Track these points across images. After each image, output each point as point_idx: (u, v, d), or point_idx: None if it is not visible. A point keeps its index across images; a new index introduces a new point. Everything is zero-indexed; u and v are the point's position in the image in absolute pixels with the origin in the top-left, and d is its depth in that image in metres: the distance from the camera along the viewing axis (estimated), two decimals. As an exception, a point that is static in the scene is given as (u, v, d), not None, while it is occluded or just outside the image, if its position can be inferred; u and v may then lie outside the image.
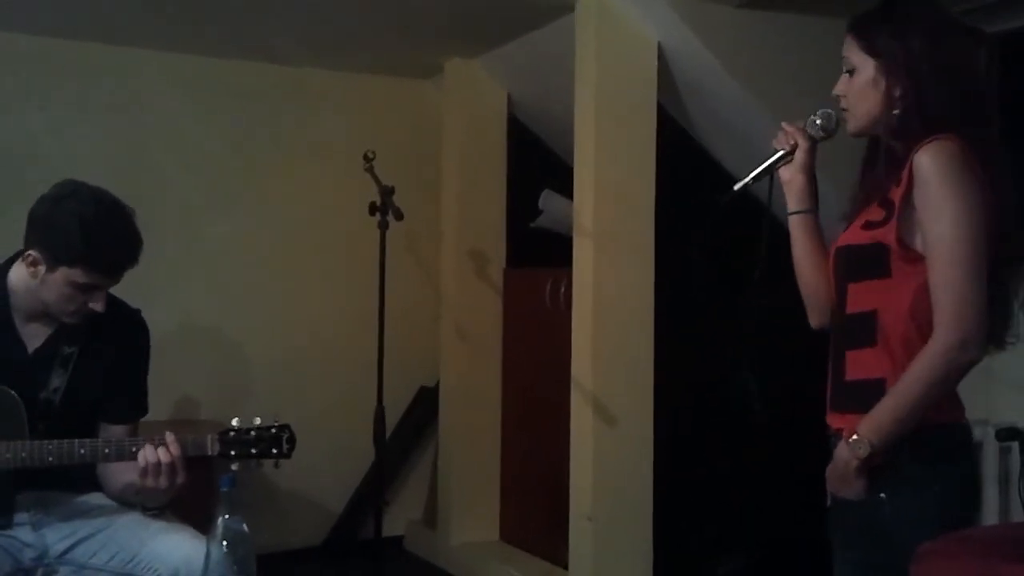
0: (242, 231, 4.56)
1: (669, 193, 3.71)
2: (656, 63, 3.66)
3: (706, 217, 2.23)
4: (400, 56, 4.58)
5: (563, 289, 4.05)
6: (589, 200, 3.61)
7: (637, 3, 3.56)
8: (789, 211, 2.15)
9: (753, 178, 2.13)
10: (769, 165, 2.14)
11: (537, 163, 4.74)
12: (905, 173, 1.90)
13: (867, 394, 1.92)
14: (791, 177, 2.14)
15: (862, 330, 1.95)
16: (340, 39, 4.30)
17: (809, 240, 2.14)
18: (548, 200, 4.35)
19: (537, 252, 4.42)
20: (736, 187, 2.13)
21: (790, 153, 2.13)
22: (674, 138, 3.90)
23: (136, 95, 4.37)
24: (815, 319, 2.16)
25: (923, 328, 1.88)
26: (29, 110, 4.17)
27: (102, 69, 4.31)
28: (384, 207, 3.33)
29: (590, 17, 3.61)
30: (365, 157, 3.40)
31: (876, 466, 1.90)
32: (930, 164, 1.86)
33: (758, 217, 2.19)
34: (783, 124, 2.15)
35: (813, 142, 2.13)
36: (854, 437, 1.89)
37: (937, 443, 1.93)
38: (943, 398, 1.92)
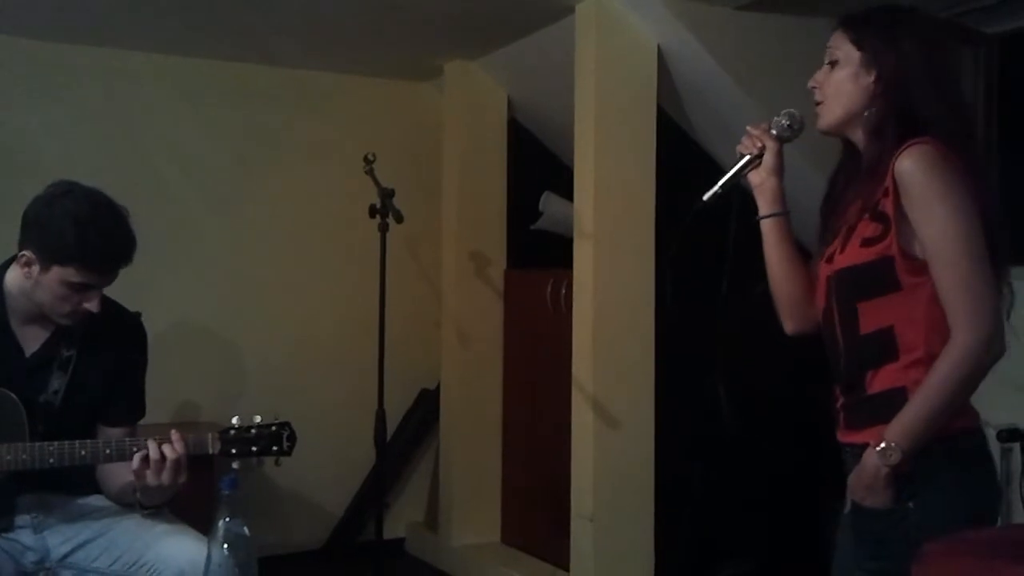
0: (242, 233, 4.56)
1: (669, 194, 3.71)
2: (656, 65, 3.66)
3: (678, 226, 2.21)
4: (400, 58, 4.58)
5: (564, 290, 4.05)
6: (589, 202, 3.62)
7: (637, 6, 3.56)
8: (760, 215, 2.12)
9: (722, 186, 2.09)
10: (738, 171, 2.11)
11: (537, 165, 4.74)
12: (889, 182, 1.89)
13: (889, 404, 1.89)
14: (761, 181, 2.11)
15: (882, 347, 1.93)
16: (340, 41, 4.30)
17: (782, 244, 2.12)
18: (548, 202, 4.35)
19: (538, 253, 4.42)
20: (705, 197, 2.08)
21: (758, 157, 2.11)
22: (674, 140, 3.90)
23: (135, 98, 4.37)
24: (790, 324, 2.14)
25: (943, 333, 1.85)
26: (27, 113, 4.17)
27: (100, 72, 4.31)
28: (384, 209, 3.33)
29: (590, 19, 3.62)
30: (365, 159, 3.41)
31: (902, 473, 1.87)
32: (912, 168, 1.84)
33: (742, 217, 2.17)
34: (748, 128, 2.13)
35: (780, 143, 2.11)
36: (882, 444, 1.85)
37: (961, 447, 1.91)
38: (966, 401, 1.91)
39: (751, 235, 2.16)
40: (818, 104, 2.04)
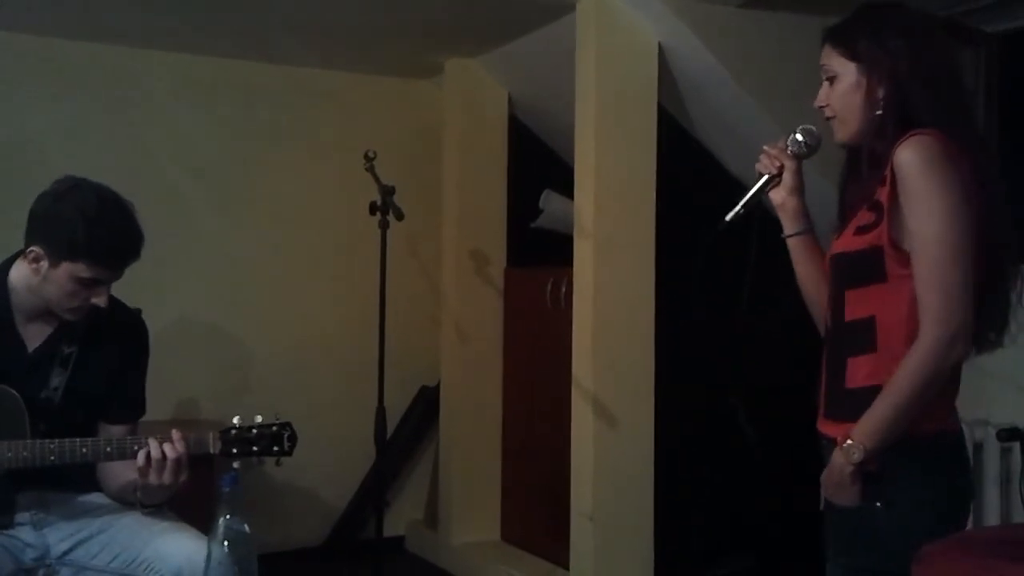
0: (242, 230, 4.56)
1: (669, 192, 3.71)
2: (657, 63, 3.66)
3: (700, 248, 2.22)
4: (401, 56, 4.58)
5: (564, 289, 4.05)
6: (589, 200, 3.61)
7: (638, 3, 3.56)
8: (786, 234, 2.14)
9: (743, 206, 2.10)
10: (758, 190, 2.12)
11: (538, 163, 4.74)
12: (888, 171, 1.89)
13: (868, 402, 1.90)
14: (783, 200, 2.12)
15: (861, 337, 1.94)
16: (341, 39, 4.30)
17: (811, 259, 2.13)
18: (548, 200, 4.35)
19: (538, 251, 4.42)
20: (727, 217, 2.10)
21: (777, 176, 2.11)
22: (674, 138, 3.90)
23: (138, 95, 4.37)
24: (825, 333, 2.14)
25: None
26: (31, 109, 4.17)
27: (105, 69, 4.31)
28: (385, 207, 3.33)
29: (591, 17, 3.61)
30: (366, 157, 3.40)
31: (872, 472, 1.89)
32: (910, 159, 1.84)
33: (764, 232, 2.18)
34: (765, 147, 2.14)
35: (799, 161, 2.11)
36: (848, 442, 1.88)
37: (933, 450, 1.92)
38: (939, 402, 1.91)
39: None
40: (830, 119, 2.04)
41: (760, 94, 3.56)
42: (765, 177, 2.12)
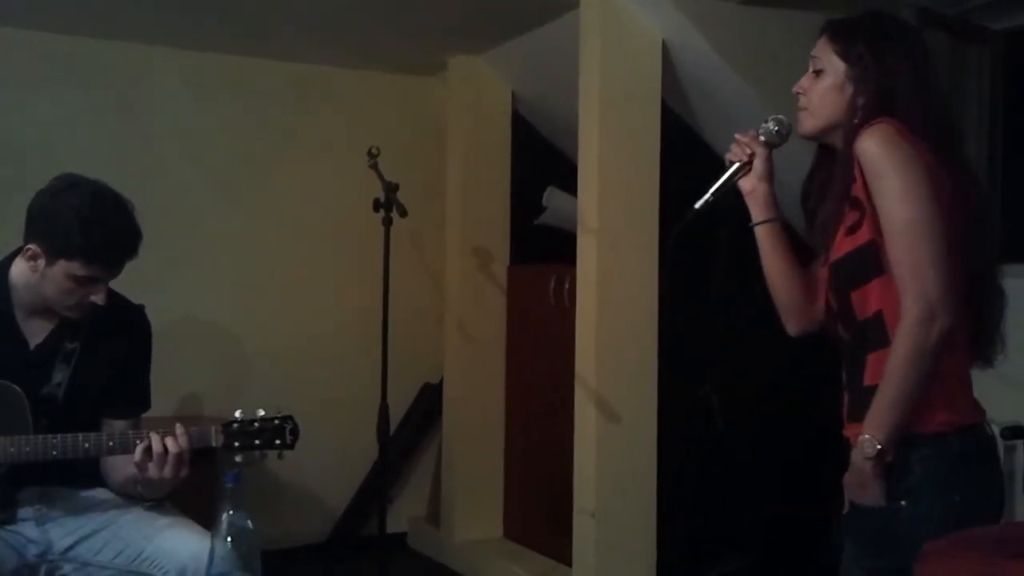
0: (246, 227, 4.57)
1: (673, 190, 3.71)
2: (660, 59, 3.65)
3: (670, 238, 2.22)
4: (405, 52, 4.58)
5: (567, 286, 4.05)
6: (593, 197, 3.61)
7: (641, 0, 3.55)
8: (755, 222, 2.14)
9: (713, 193, 2.10)
10: (728, 178, 2.12)
11: (541, 160, 4.74)
12: (855, 167, 1.90)
13: None
14: (752, 187, 2.12)
15: (876, 333, 1.93)
16: (345, 36, 4.30)
17: (779, 248, 2.13)
18: (552, 197, 4.34)
19: (541, 249, 4.42)
20: (697, 205, 2.10)
21: (748, 164, 2.12)
22: (678, 134, 3.89)
23: (142, 91, 4.38)
24: (792, 325, 2.14)
25: None
26: (37, 106, 4.18)
27: (109, 65, 4.32)
28: (388, 203, 3.34)
29: (594, 13, 3.61)
30: (369, 153, 3.40)
31: (894, 472, 1.87)
32: (870, 146, 1.86)
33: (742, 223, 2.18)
34: (736, 135, 2.14)
35: (769, 148, 2.12)
36: (860, 438, 1.87)
37: (957, 447, 1.90)
38: (956, 394, 1.91)
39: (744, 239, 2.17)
40: (801, 109, 2.05)
41: (763, 90, 3.55)
42: (736, 165, 2.12)
